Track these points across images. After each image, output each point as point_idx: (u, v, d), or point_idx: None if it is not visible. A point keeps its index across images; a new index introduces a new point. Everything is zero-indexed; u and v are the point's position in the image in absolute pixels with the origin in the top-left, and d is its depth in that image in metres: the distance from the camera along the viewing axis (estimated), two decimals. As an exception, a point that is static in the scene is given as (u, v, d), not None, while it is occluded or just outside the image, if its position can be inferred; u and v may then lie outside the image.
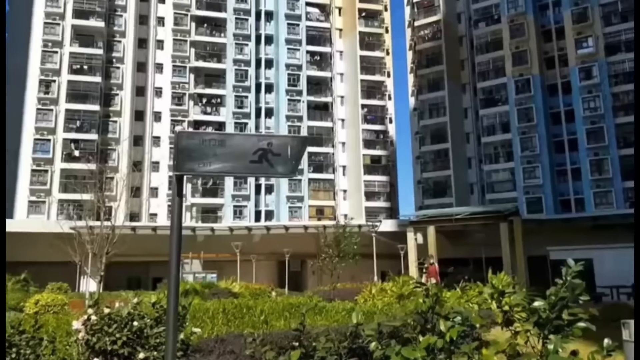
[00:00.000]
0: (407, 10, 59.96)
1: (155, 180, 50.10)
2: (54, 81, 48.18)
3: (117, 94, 50.42)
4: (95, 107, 48.51)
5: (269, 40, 57.04)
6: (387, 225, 42.64)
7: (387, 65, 59.80)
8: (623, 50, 47.26)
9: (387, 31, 60.58)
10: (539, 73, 50.19)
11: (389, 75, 59.67)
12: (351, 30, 58.64)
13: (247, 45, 55.15)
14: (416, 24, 58.24)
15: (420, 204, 54.81)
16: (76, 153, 46.88)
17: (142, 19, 53.62)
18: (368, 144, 56.73)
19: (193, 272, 35.71)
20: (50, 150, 46.88)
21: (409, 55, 59.37)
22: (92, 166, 37.25)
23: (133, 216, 44.40)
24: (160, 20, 54.05)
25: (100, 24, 50.12)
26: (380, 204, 56.10)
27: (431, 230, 33.73)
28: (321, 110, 57.46)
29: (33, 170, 46.53)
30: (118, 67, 50.86)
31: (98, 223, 21.44)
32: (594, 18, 48.12)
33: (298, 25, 56.91)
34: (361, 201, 54.82)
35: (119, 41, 51.37)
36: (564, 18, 49.85)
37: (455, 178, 53.51)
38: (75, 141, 47.77)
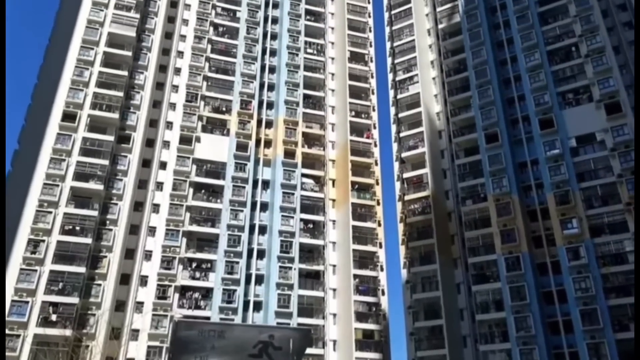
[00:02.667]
0: (398, 185, 62.52)
1: (132, 350, 46.84)
2: (43, 241, 47.40)
3: (106, 256, 49.42)
4: (81, 269, 47.14)
5: (264, 207, 58.24)
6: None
7: (379, 236, 60.26)
8: (607, 232, 47.96)
9: (378, 203, 62.32)
10: (527, 251, 50.29)
11: (380, 246, 59.88)
12: (344, 201, 60.34)
13: (242, 211, 56.03)
14: (406, 198, 60.21)
15: (416, 388, 51.18)
16: (53, 317, 44.34)
17: (141, 184, 54.95)
18: (360, 316, 54.57)
19: None
20: (26, 313, 44.04)
21: (400, 227, 60.41)
22: (68, 332, 35.13)
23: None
24: (159, 185, 55.44)
25: (100, 186, 51.10)
26: (374, 389, 52.14)
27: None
28: (312, 278, 56.46)
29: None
30: (110, 229, 50.63)
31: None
32: (576, 201, 49.51)
33: (293, 194, 58.64)
34: (353, 383, 50.95)
35: (115, 204, 51.90)
36: (548, 199, 51.14)
37: (451, 359, 50.70)
38: (55, 304, 45.19)
